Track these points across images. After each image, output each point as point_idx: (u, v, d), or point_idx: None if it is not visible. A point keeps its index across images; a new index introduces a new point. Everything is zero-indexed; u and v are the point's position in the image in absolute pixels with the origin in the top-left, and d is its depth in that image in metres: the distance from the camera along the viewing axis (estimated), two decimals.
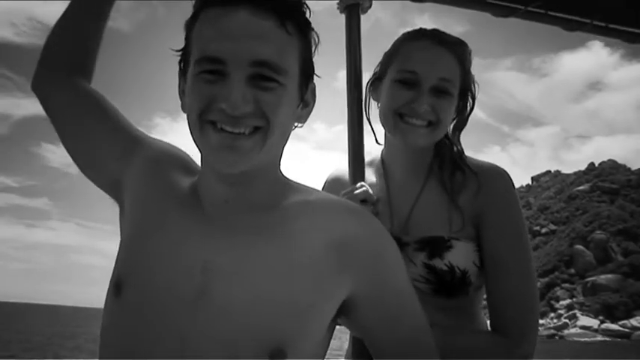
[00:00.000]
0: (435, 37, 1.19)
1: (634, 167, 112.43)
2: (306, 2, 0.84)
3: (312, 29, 0.85)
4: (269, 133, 0.78)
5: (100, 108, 0.99)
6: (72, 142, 1.01)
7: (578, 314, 76.25)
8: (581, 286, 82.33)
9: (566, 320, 76.23)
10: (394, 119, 1.17)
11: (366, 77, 1.33)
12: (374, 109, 1.29)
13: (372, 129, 1.30)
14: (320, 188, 1.37)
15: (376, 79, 1.27)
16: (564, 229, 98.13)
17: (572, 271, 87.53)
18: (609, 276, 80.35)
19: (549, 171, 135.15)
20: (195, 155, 0.92)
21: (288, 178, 0.91)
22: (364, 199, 1.14)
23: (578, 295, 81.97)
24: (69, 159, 1.01)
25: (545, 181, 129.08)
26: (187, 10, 0.83)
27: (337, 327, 0.93)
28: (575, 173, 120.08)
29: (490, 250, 1.14)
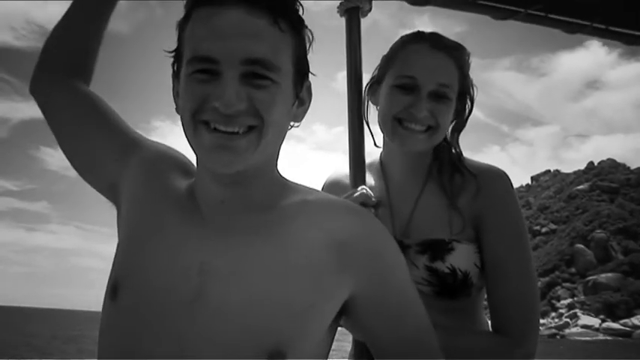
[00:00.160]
0: (433, 41, 1.18)
1: (633, 166, 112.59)
2: (301, 1, 0.84)
3: (306, 27, 0.84)
4: (264, 132, 0.78)
5: (98, 110, 0.99)
6: (70, 144, 1.00)
7: (580, 313, 76.20)
8: (582, 285, 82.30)
9: (568, 319, 76.17)
10: (393, 124, 1.17)
11: (366, 79, 1.33)
12: (372, 112, 1.30)
13: (371, 132, 1.30)
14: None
15: (374, 83, 1.27)
16: (564, 229, 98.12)
17: (573, 270, 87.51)
18: (610, 275, 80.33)
19: (549, 170, 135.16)
20: (193, 157, 0.91)
21: (285, 178, 0.91)
22: (365, 203, 1.14)
23: (579, 294, 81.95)
24: (67, 162, 1.01)
25: (544, 180, 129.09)
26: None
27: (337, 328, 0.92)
28: (574, 172, 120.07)
29: (490, 251, 1.14)
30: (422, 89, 1.14)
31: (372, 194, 1.19)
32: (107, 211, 0.99)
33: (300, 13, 0.83)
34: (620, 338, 66.36)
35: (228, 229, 0.82)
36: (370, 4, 1.49)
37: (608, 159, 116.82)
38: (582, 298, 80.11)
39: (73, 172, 1.01)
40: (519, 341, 1.09)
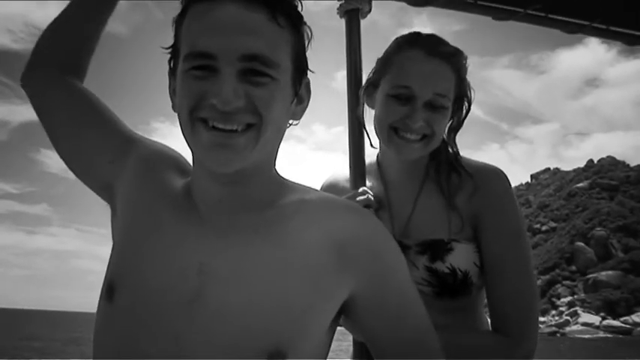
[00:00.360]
0: (429, 47, 1.15)
1: (633, 163, 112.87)
2: (303, 1, 0.82)
3: (305, 23, 0.83)
4: (262, 130, 0.76)
5: (94, 108, 0.97)
6: (64, 142, 0.98)
7: (580, 311, 76.33)
8: (582, 283, 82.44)
9: (568, 317, 76.30)
10: (389, 133, 1.16)
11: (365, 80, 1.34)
12: (369, 112, 1.29)
13: (367, 133, 1.30)
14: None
15: (370, 86, 1.26)
16: (564, 227, 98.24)
17: (573, 268, 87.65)
18: (610, 272, 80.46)
19: (548, 168, 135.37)
20: (190, 157, 0.89)
21: (284, 178, 0.89)
22: (367, 205, 1.15)
23: (580, 292, 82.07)
24: None
25: (544, 178, 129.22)
26: None
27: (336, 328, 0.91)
28: (574, 170, 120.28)
29: (488, 250, 1.15)
30: (418, 99, 1.12)
31: (372, 195, 1.19)
32: (107, 213, 0.97)
33: (299, 9, 0.82)
34: (621, 336, 66.44)
35: (227, 228, 0.81)
36: (370, 5, 1.50)
37: (608, 156, 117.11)
38: (582, 295, 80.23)
39: (72, 175, 0.99)
40: (519, 340, 1.09)
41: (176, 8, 0.81)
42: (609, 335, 67.48)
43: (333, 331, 0.86)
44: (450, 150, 1.22)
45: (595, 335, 68.19)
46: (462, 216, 1.16)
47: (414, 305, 0.87)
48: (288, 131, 0.86)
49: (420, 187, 1.23)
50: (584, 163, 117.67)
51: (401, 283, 0.87)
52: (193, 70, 0.75)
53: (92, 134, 0.94)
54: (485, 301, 1.23)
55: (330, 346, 0.86)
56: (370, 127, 1.28)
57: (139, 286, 0.79)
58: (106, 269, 0.86)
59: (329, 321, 0.82)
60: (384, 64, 1.21)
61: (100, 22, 1.04)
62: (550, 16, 1.61)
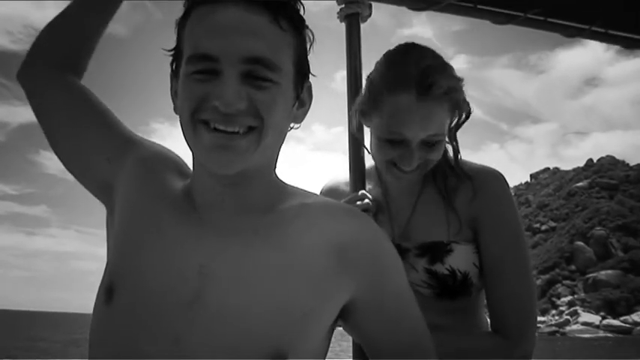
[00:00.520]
0: (421, 89, 1.07)
1: (632, 163, 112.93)
2: (302, 1, 0.82)
3: (307, 27, 0.83)
4: (264, 134, 0.76)
5: (93, 107, 0.96)
6: (62, 140, 0.96)
7: (580, 310, 76.42)
8: (582, 283, 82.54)
9: (568, 317, 76.39)
10: (387, 165, 1.16)
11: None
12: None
13: (366, 149, 1.28)
14: (318, 193, 1.39)
15: (360, 114, 1.19)
16: (564, 226, 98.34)
17: (573, 267, 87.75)
18: (610, 272, 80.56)
19: (548, 168, 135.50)
20: (191, 162, 0.89)
21: (283, 182, 0.89)
22: (366, 209, 1.16)
23: (579, 292, 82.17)
24: None
25: (544, 178, 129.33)
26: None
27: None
28: (573, 170, 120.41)
29: (487, 252, 1.15)
30: (412, 142, 1.09)
31: (371, 198, 1.20)
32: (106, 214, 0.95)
33: (301, 12, 0.82)
34: (621, 335, 66.48)
35: (227, 230, 0.81)
36: (370, 9, 1.51)
37: (608, 156, 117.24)
38: (582, 295, 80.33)
39: (72, 176, 0.97)
40: (517, 342, 1.10)
41: (176, 9, 0.81)
42: (609, 335, 67.52)
43: (331, 333, 0.87)
44: (451, 151, 1.21)
45: (595, 335, 68.24)
46: (461, 218, 1.17)
47: (411, 309, 0.89)
48: (287, 133, 0.87)
49: (419, 190, 1.23)
50: (584, 162, 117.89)
51: (399, 287, 0.88)
52: (196, 73, 0.75)
53: (91, 133, 0.93)
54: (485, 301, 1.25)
55: (328, 346, 0.87)
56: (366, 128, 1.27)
57: (139, 287, 0.78)
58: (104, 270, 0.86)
59: (329, 323, 0.83)
60: (374, 100, 1.13)
61: (103, 22, 1.04)
62: (549, 19, 1.61)
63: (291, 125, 0.86)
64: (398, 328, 0.87)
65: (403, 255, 1.16)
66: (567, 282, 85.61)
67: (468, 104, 1.16)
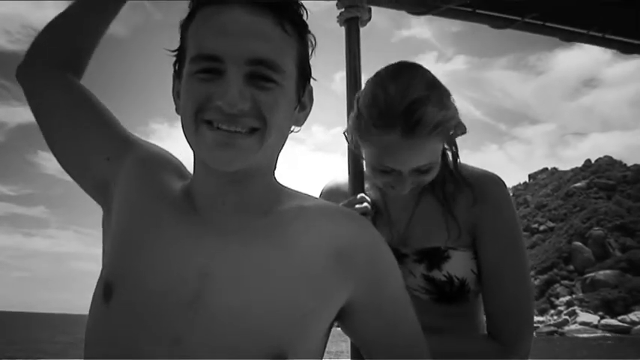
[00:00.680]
0: (406, 127, 1.03)
1: (630, 163, 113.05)
2: (303, 4, 0.84)
3: (309, 31, 0.85)
4: (266, 135, 0.77)
5: (93, 105, 0.96)
6: (60, 139, 0.96)
7: (578, 310, 76.42)
8: (581, 283, 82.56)
9: (566, 317, 76.39)
10: (383, 188, 1.17)
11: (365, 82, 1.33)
12: None
13: (361, 154, 1.28)
14: (319, 193, 1.39)
15: (354, 136, 1.15)
16: (562, 226, 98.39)
17: (571, 267, 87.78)
18: (608, 272, 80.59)
19: (546, 168, 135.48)
20: (190, 164, 0.90)
21: (282, 185, 0.90)
22: (364, 212, 1.16)
23: (578, 292, 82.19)
24: None
25: (542, 178, 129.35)
26: (184, 14, 0.83)
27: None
28: (572, 170, 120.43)
29: (485, 258, 1.15)
30: (403, 173, 1.09)
31: (370, 201, 1.20)
32: None
33: (305, 17, 0.83)
34: (619, 335, 66.57)
35: (227, 230, 0.81)
36: (369, 14, 1.52)
37: (605, 156, 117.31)
38: (581, 295, 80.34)
39: (70, 177, 0.96)
40: (513, 347, 1.11)
41: (175, 9, 0.82)
42: (607, 334, 67.59)
43: (329, 333, 0.87)
44: (449, 155, 1.21)
45: (593, 334, 68.30)
46: (461, 225, 1.17)
47: (407, 312, 0.90)
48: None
49: (418, 194, 1.23)
50: (582, 162, 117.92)
51: (395, 290, 0.89)
52: (200, 72, 0.76)
53: (91, 132, 0.93)
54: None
55: (325, 346, 0.87)
56: None
57: (138, 287, 0.78)
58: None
59: (327, 324, 0.84)
60: (362, 133, 1.10)
61: (104, 23, 1.04)
62: (547, 24, 1.63)
63: (292, 128, 0.87)
64: (394, 330, 0.88)
65: (401, 260, 1.17)
66: (566, 282, 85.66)
67: (462, 127, 1.13)
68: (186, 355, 0.74)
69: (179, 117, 0.82)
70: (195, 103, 0.76)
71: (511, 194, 1.22)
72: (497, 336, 1.12)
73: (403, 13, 1.66)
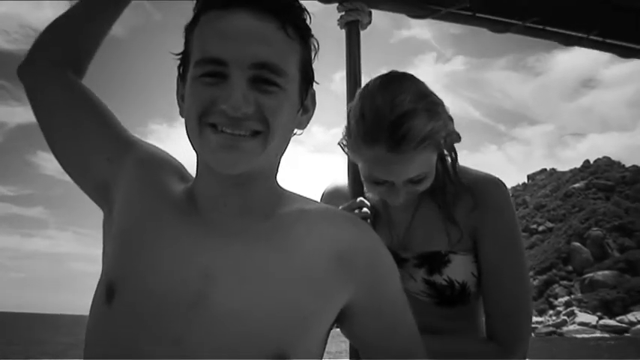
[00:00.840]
0: (393, 142, 1.02)
1: (628, 164, 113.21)
2: (306, 7, 0.84)
3: (312, 36, 0.86)
4: (269, 138, 0.78)
5: (94, 105, 0.96)
6: (61, 139, 0.96)
7: (577, 311, 76.47)
8: (579, 283, 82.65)
9: (565, 317, 76.46)
10: (380, 198, 1.17)
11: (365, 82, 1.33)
12: None
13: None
14: (318, 194, 1.39)
15: (346, 149, 1.16)
16: (561, 227, 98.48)
17: (570, 268, 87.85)
18: (606, 272, 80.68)
19: (545, 169, 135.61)
20: (189, 165, 0.91)
21: (284, 188, 0.91)
22: (364, 216, 1.17)
23: (576, 292, 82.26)
24: None
25: (541, 179, 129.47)
26: (183, 15, 0.82)
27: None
28: (570, 171, 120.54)
29: (485, 260, 1.16)
30: (396, 184, 1.09)
31: (369, 205, 1.20)
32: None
33: (308, 21, 0.84)
34: (617, 335, 66.66)
35: (229, 232, 0.82)
36: (370, 17, 1.52)
37: (604, 157, 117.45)
38: (579, 295, 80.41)
39: (69, 177, 0.96)
40: (511, 349, 1.12)
41: (176, 12, 0.87)
42: (606, 335, 67.67)
43: (328, 334, 0.88)
44: (449, 160, 1.20)
45: (592, 335, 68.37)
46: (461, 228, 1.17)
47: (405, 315, 0.91)
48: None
49: (419, 198, 1.23)
50: (581, 163, 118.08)
51: (394, 294, 0.90)
52: (204, 76, 0.76)
53: (92, 132, 0.93)
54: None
55: (325, 347, 0.88)
56: None
57: (140, 288, 0.78)
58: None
59: (328, 325, 0.85)
60: (353, 146, 1.10)
61: (107, 24, 1.05)
62: (547, 28, 1.63)
63: (295, 131, 0.87)
64: (392, 333, 0.89)
65: (402, 264, 1.17)
66: (564, 282, 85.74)
67: (455, 135, 1.13)
68: (187, 356, 0.74)
69: (178, 118, 0.83)
70: (200, 106, 0.76)
71: (510, 195, 1.22)
72: (496, 336, 1.13)
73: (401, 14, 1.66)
